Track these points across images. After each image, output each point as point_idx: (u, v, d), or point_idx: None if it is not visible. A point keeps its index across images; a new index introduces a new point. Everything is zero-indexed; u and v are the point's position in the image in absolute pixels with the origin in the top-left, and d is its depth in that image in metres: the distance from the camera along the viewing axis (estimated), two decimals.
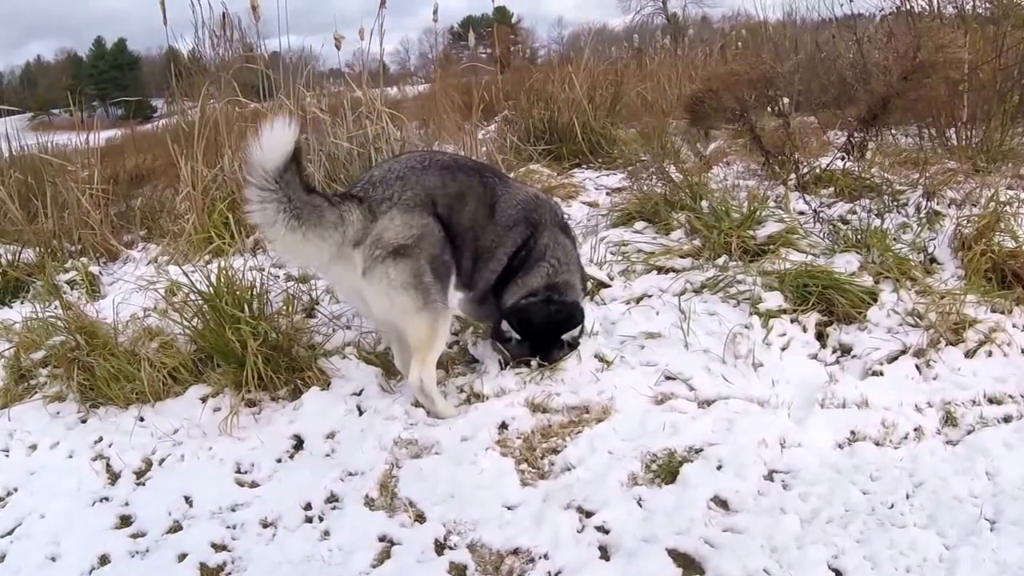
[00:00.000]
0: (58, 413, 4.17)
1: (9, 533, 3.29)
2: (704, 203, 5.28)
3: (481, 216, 3.82)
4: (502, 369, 3.97)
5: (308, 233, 3.35)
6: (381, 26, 6.84)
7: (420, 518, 3.06)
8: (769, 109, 6.40)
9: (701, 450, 3.28)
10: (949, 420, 3.53)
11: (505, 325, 3.89)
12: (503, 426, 3.55)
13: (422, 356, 3.60)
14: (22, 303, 5.68)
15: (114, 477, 3.63)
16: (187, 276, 4.25)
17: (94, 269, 5.88)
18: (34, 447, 3.95)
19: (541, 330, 3.91)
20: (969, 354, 3.94)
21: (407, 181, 3.61)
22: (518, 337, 3.89)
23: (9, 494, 3.59)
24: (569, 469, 3.23)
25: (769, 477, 3.15)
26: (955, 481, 3.06)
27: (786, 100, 8.15)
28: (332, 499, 3.24)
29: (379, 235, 3.49)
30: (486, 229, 3.84)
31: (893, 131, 7.53)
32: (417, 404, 3.72)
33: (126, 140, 10.52)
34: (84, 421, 4.09)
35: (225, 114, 6.34)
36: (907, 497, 3.00)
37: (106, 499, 3.47)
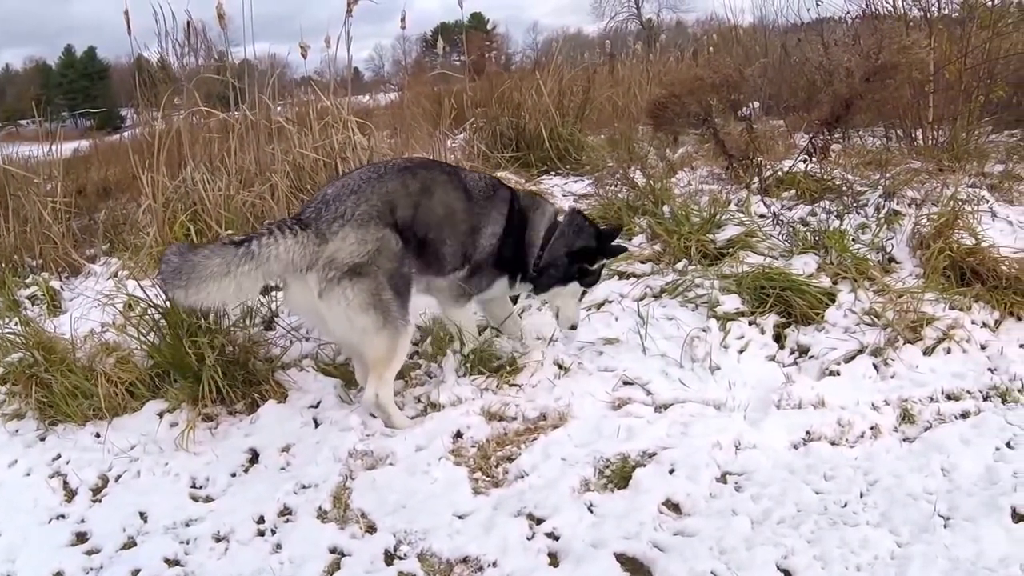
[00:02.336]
0: (17, 431, 4.13)
1: None
2: (666, 208, 5.30)
3: (454, 199, 3.79)
4: (459, 377, 3.98)
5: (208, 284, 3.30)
6: (348, 33, 6.83)
7: (371, 529, 3.07)
8: (733, 113, 6.43)
9: (655, 454, 3.29)
10: (906, 418, 3.56)
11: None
12: (458, 435, 3.56)
13: (379, 373, 3.59)
14: None
15: (71, 494, 3.61)
16: (143, 291, 4.22)
17: (55, 284, 5.85)
18: None
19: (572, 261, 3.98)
20: (927, 351, 3.99)
21: (362, 194, 3.55)
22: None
23: None
24: (522, 476, 3.25)
25: (722, 479, 3.17)
26: (910, 478, 3.09)
27: (756, 104, 8.21)
28: (285, 512, 3.23)
29: (331, 256, 3.43)
30: (465, 211, 3.81)
31: (860, 132, 7.58)
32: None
33: (93, 151, 10.46)
34: (43, 439, 4.06)
35: (188, 125, 6.31)
36: (860, 496, 3.02)
37: (62, 516, 3.45)
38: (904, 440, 3.41)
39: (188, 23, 6.58)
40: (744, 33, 12.93)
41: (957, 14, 7.69)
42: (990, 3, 7.30)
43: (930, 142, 7.19)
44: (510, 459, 3.38)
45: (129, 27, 6.34)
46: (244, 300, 3.62)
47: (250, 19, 6.43)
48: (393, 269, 3.50)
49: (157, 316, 4.15)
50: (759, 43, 11.70)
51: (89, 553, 3.17)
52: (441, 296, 3.98)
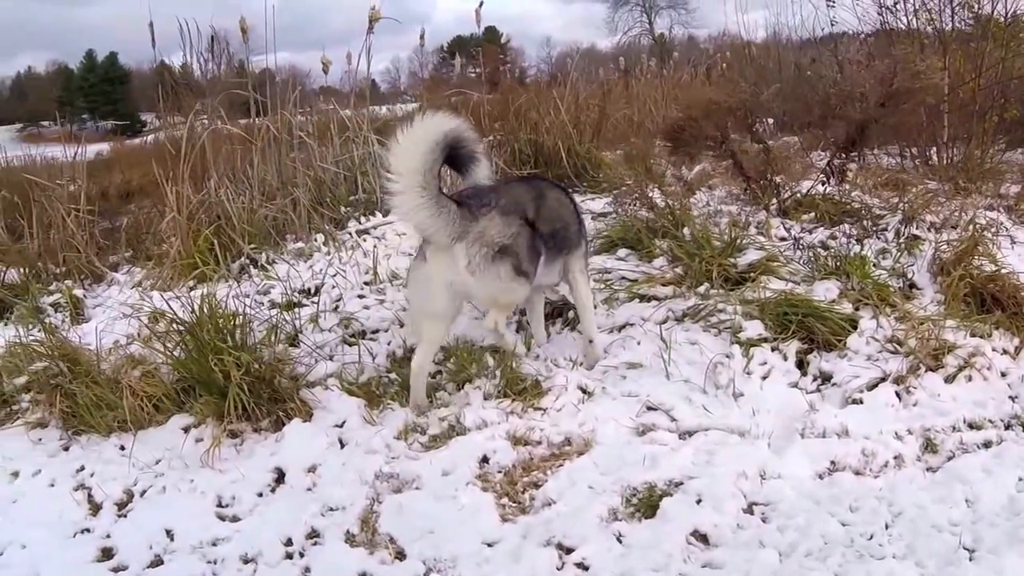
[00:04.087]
0: (40, 440, 4.15)
1: None
2: (686, 230, 5.30)
3: (560, 198, 4.36)
4: (484, 400, 4.00)
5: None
6: (369, 49, 6.86)
7: (400, 555, 3.06)
8: (751, 135, 6.43)
9: (681, 483, 3.28)
10: (929, 447, 3.54)
11: None
12: (484, 459, 3.55)
13: (504, 313, 4.13)
14: (5, 325, 5.67)
15: (95, 508, 3.60)
16: (169, 305, 4.24)
17: (78, 292, 5.88)
18: (16, 474, 3.93)
19: None
20: (949, 379, 3.97)
21: (498, 194, 3.97)
22: None
23: None
24: (549, 504, 3.24)
25: (748, 510, 3.16)
26: (934, 509, 3.07)
27: (770, 121, 8.20)
28: (313, 534, 3.23)
29: (481, 231, 3.78)
30: (567, 206, 4.37)
31: (875, 151, 7.57)
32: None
33: (114, 156, 10.50)
34: (66, 449, 4.07)
35: (212, 139, 6.34)
36: (886, 527, 3.00)
37: (87, 530, 3.45)
38: (927, 470, 3.39)
39: (212, 36, 6.61)
40: (757, 50, 12.91)
41: (971, 29, 7.69)
42: (1003, 20, 7.30)
43: (944, 161, 7.18)
44: (536, 485, 3.38)
45: (153, 39, 6.40)
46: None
47: (272, 30, 6.50)
48: (528, 247, 3.92)
49: (183, 331, 4.17)
50: (772, 60, 11.70)
51: (116, 570, 3.17)
52: (575, 269, 4.36)
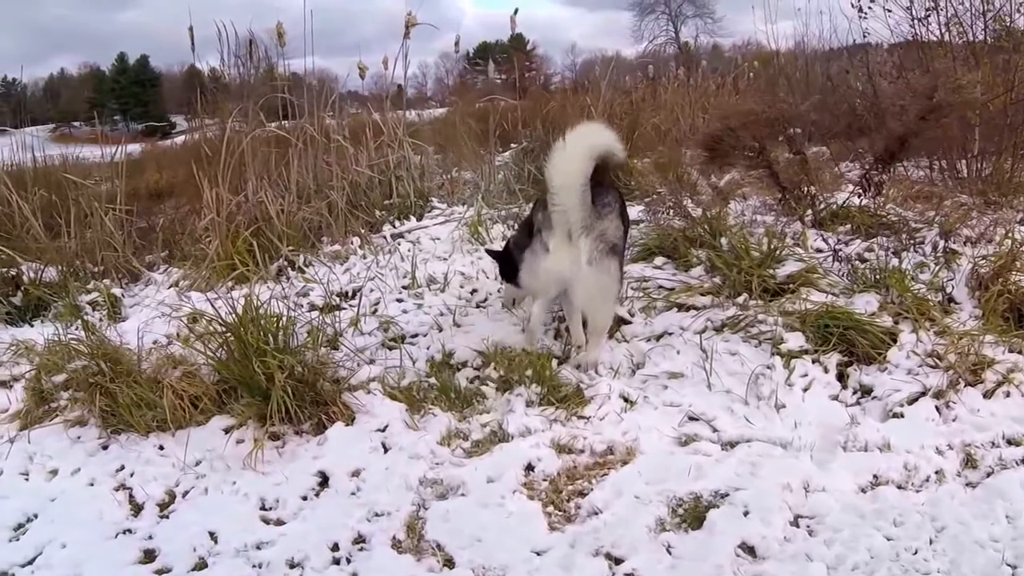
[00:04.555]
0: (79, 438, 4.14)
1: (30, 563, 3.27)
2: (723, 240, 5.29)
3: (627, 211, 4.69)
4: (527, 408, 4.00)
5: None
6: (406, 55, 6.89)
7: (449, 563, 3.05)
8: (787, 148, 6.42)
9: (727, 495, 3.27)
10: (969, 462, 3.50)
11: None
12: (529, 467, 3.54)
13: (601, 335, 4.38)
14: (42, 323, 5.71)
15: (137, 508, 3.60)
16: (212, 306, 4.25)
17: (116, 291, 5.91)
18: (54, 472, 3.93)
19: None
20: (987, 395, 3.93)
21: (610, 195, 4.32)
22: None
23: (29, 520, 3.56)
24: (596, 513, 3.22)
25: (794, 523, 3.14)
26: (975, 525, 3.05)
27: (797, 129, 8.16)
28: (359, 540, 3.22)
29: (603, 231, 4.11)
30: (628, 217, 4.75)
31: (904, 163, 7.53)
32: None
33: (145, 156, 10.57)
34: (105, 447, 4.06)
35: (252, 143, 6.37)
36: (930, 543, 2.99)
37: (129, 531, 3.44)
38: (967, 485, 3.36)
39: (251, 41, 6.65)
40: (784, 59, 12.85)
41: (999, 40, 7.64)
42: None
43: (973, 175, 7.14)
44: (582, 494, 3.37)
45: (193, 44, 6.43)
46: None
47: (311, 35, 6.53)
48: (624, 248, 4.43)
49: (225, 332, 4.18)
50: (799, 70, 11.64)
51: (159, 573, 3.16)
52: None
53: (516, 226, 5.89)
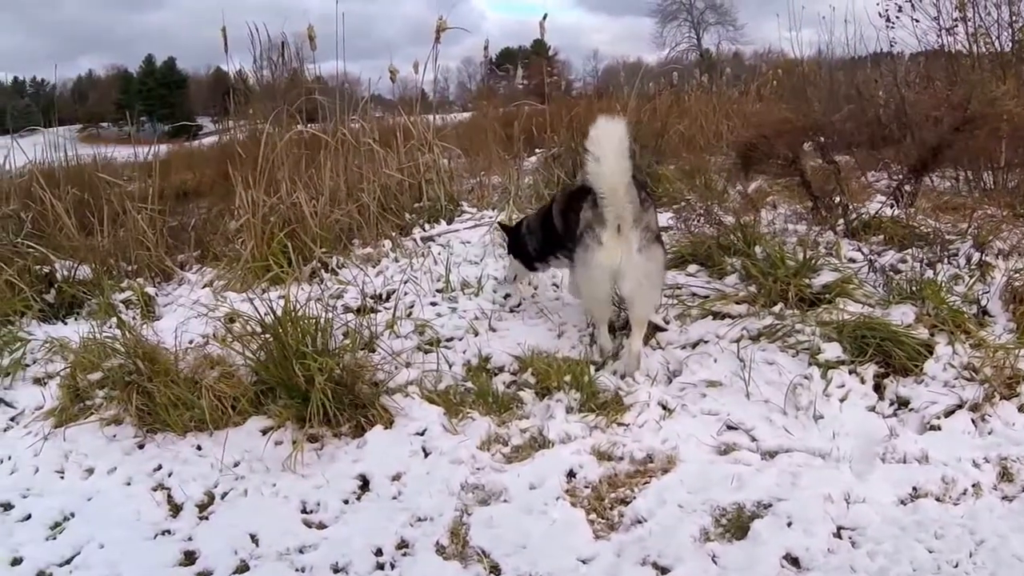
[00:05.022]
0: (115, 436, 4.16)
1: (67, 562, 3.28)
2: (758, 249, 5.29)
3: None
4: (567, 414, 4.00)
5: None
6: (435, 60, 6.91)
7: (495, 569, 3.04)
8: (820, 157, 6.41)
9: (769, 505, 3.26)
10: (1005, 476, 3.48)
11: None
12: (571, 474, 3.54)
13: (643, 327, 4.47)
14: (76, 320, 5.74)
15: (176, 509, 3.60)
16: (253, 306, 4.26)
17: (150, 290, 5.93)
18: (90, 471, 3.95)
19: None
20: (1022, 408, 3.91)
21: (645, 189, 4.57)
22: None
23: (66, 519, 3.58)
24: (640, 522, 3.22)
25: (837, 534, 3.13)
26: (1013, 539, 3.03)
27: (831, 139, 8.15)
28: (402, 545, 3.21)
29: (648, 222, 4.34)
30: None
31: (931, 174, 7.51)
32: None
33: (173, 157, 10.61)
34: (141, 447, 4.08)
35: (287, 145, 6.39)
36: (970, 555, 2.97)
37: (168, 532, 3.44)
38: (1004, 499, 3.33)
39: (283, 43, 6.68)
40: (807, 67, 12.81)
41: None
42: None
43: (999, 186, 7.11)
44: (623, 501, 3.36)
45: (226, 45, 6.46)
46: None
47: (341, 38, 6.55)
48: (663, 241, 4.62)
49: (264, 333, 4.19)
50: (822, 78, 11.61)
51: (200, 575, 3.17)
52: None
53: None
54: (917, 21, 8.71)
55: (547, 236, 4.96)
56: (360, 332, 4.65)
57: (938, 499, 3.35)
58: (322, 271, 5.98)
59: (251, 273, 5.80)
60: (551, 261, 5.11)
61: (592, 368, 4.38)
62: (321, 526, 3.40)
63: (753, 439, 3.77)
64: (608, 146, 4.07)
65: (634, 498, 3.36)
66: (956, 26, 8.38)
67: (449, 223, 6.78)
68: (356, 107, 7.18)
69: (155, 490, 3.75)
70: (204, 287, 5.97)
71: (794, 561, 2.99)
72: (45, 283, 6.05)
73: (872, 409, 4.00)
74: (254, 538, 3.32)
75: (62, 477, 3.94)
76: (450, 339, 4.90)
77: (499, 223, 5.76)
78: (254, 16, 6.90)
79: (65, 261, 6.29)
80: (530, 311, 5.26)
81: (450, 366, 4.55)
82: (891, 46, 9.34)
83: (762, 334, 4.54)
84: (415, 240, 6.55)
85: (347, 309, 5.29)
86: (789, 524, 3.15)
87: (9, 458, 4.12)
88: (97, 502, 3.69)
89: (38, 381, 4.86)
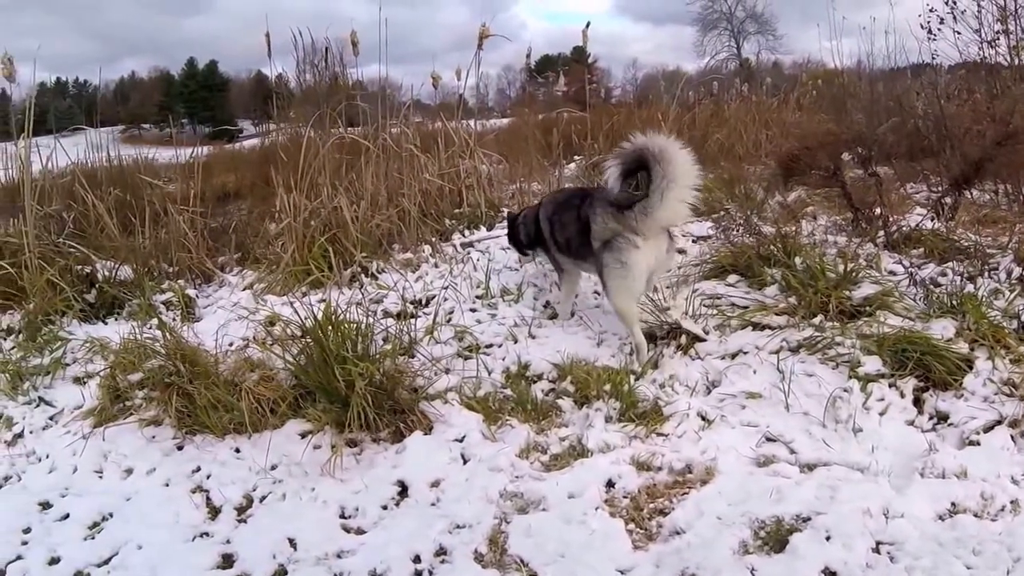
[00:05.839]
0: (153, 437, 4.21)
1: (106, 563, 3.33)
2: (798, 260, 5.26)
3: None
4: (606, 423, 4.00)
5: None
6: (479, 66, 6.94)
7: None
8: (862, 169, 6.37)
9: (808, 519, 3.24)
10: None
11: None
12: (610, 484, 3.54)
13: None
14: (116, 320, 5.80)
15: (214, 512, 3.65)
16: (295, 310, 4.29)
17: (190, 292, 5.98)
18: (129, 471, 4.00)
19: None
20: None
21: None
22: None
23: (104, 519, 3.63)
24: (679, 533, 3.21)
25: (876, 549, 3.10)
26: None
27: (872, 151, 8.09)
28: (440, 552, 3.22)
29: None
30: None
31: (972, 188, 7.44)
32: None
33: (213, 159, 10.71)
34: (180, 448, 4.13)
35: (330, 152, 6.43)
36: (1007, 572, 2.95)
37: (206, 534, 3.48)
38: None
39: (326, 48, 6.73)
40: (847, 78, 12.72)
41: None
42: None
43: None
44: (662, 512, 3.36)
45: (270, 50, 6.52)
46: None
47: (384, 44, 6.60)
48: None
49: (305, 337, 4.21)
50: (862, 89, 11.52)
51: None
52: None
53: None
54: (959, 33, 8.65)
55: (536, 232, 5.32)
56: (400, 337, 4.67)
57: (976, 515, 3.31)
58: (362, 276, 6.01)
59: (292, 276, 5.84)
60: (538, 251, 5.51)
61: (632, 377, 4.37)
62: (359, 532, 3.42)
63: (792, 452, 3.75)
64: (684, 180, 4.50)
65: (673, 509, 3.36)
66: (998, 38, 8.31)
67: (489, 229, 6.79)
68: (397, 112, 7.21)
69: (194, 492, 3.80)
70: (244, 289, 6.02)
71: (832, 575, 2.98)
72: (86, 283, 6.13)
73: (911, 423, 3.97)
74: (292, 542, 3.35)
75: (101, 477, 4.00)
76: (489, 346, 4.92)
77: (507, 212, 5.86)
78: (299, 22, 7.03)
79: (106, 261, 6.37)
80: (570, 319, 5.26)
81: (489, 373, 4.56)
82: (933, 58, 9.29)
83: (802, 346, 4.52)
84: (455, 246, 6.58)
85: (387, 314, 5.32)
86: (828, 538, 3.13)
87: (48, 457, 4.20)
88: (136, 503, 3.74)
89: (78, 380, 4.93)
